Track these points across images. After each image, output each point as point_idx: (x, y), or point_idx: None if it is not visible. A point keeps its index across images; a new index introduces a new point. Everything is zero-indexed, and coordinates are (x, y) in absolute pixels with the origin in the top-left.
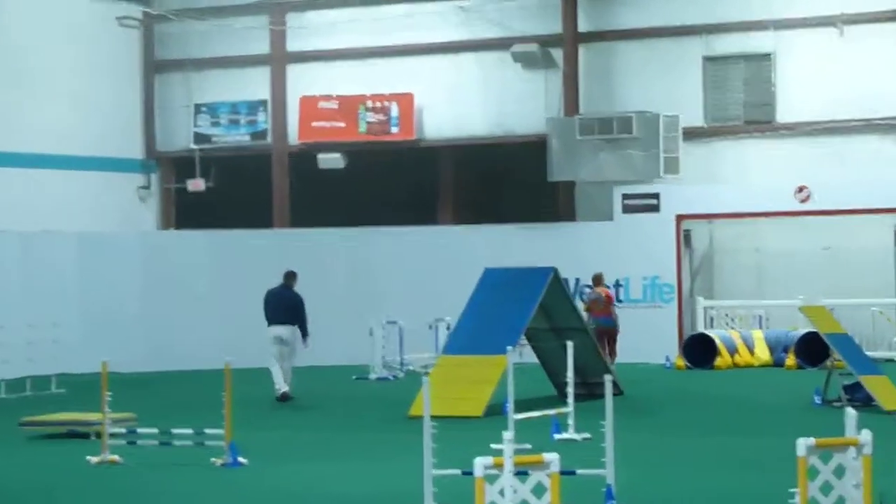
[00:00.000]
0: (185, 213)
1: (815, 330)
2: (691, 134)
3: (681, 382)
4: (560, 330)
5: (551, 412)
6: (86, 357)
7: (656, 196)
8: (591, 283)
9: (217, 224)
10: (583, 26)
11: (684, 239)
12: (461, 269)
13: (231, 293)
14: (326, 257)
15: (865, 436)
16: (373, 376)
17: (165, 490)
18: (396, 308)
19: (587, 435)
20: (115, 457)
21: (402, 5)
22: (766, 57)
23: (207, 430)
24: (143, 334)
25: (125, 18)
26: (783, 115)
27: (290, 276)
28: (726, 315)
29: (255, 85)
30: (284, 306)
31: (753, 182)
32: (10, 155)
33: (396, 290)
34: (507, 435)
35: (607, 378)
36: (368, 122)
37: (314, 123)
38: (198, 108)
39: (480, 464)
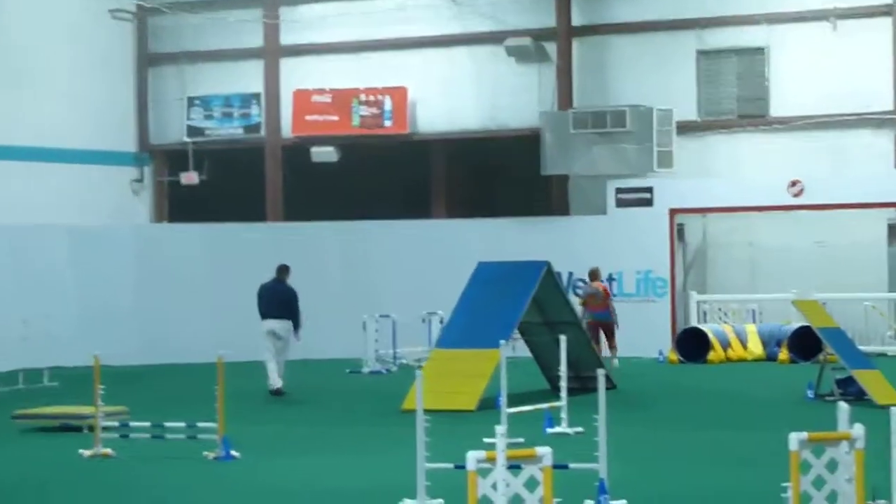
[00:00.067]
0: (178, 206)
1: (807, 324)
2: (685, 128)
3: (674, 376)
4: (553, 324)
5: (544, 406)
6: (79, 350)
7: (650, 190)
8: (587, 277)
9: (210, 217)
10: (576, 20)
11: (677, 233)
12: (454, 262)
13: (224, 287)
14: (319, 251)
15: (858, 430)
16: (366, 370)
17: (158, 483)
18: (389, 302)
19: (580, 429)
20: (108, 450)
21: None
22: (760, 51)
23: (200, 424)
24: (136, 327)
25: (118, 11)
26: (776, 109)
27: (283, 270)
28: (719, 309)
29: (249, 78)
30: (278, 300)
31: (747, 176)
32: (3, 148)
33: (389, 284)
34: (500, 429)
35: (600, 372)
36: (362, 116)
37: (307, 117)
38: (191, 102)
39: (473, 457)
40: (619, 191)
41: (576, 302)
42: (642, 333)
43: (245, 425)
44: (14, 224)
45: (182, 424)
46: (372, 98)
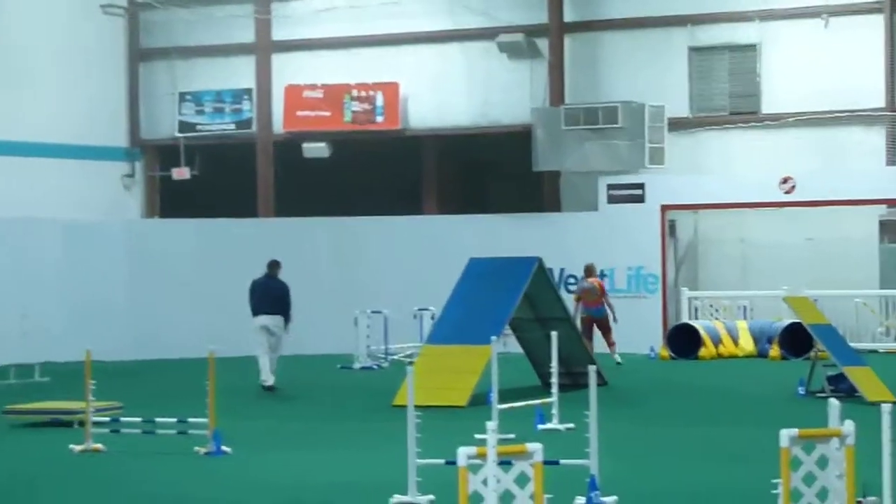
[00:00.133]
0: (169, 201)
1: (799, 321)
2: (677, 124)
3: (665, 373)
4: (544, 320)
5: (535, 402)
6: (70, 345)
7: (641, 186)
8: (582, 273)
9: (202, 213)
10: (568, 16)
11: (669, 229)
12: (446, 258)
13: (215, 282)
14: (311, 246)
15: (848, 427)
16: (357, 366)
17: (148, 478)
18: (381, 297)
19: (571, 425)
20: (99, 445)
21: None
22: (752, 48)
23: (191, 419)
24: (128, 323)
25: (110, 7)
26: (768, 105)
27: (275, 266)
28: (711, 305)
29: (240, 73)
30: (271, 296)
31: (738, 173)
32: None
33: (381, 280)
34: (491, 425)
35: (591, 368)
36: (353, 112)
37: (299, 112)
38: (182, 97)
39: (464, 453)
40: (610, 187)
41: (569, 298)
42: (633, 330)
43: (236, 420)
44: (5, 218)
45: (173, 420)
46: (364, 94)
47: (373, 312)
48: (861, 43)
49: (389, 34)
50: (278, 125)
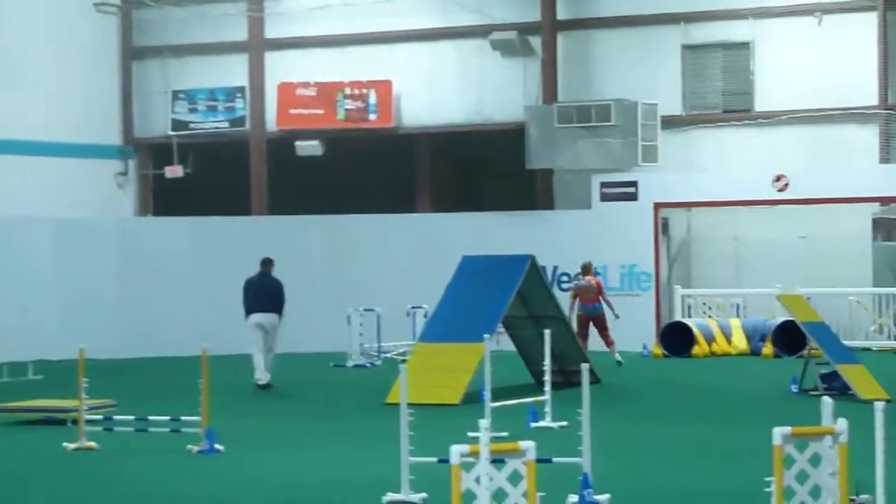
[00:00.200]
0: (162, 199)
1: (792, 319)
2: (670, 122)
3: (658, 371)
4: (537, 318)
5: (528, 400)
6: (63, 343)
7: (634, 184)
8: (580, 271)
9: (195, 211)
10: (561, 14)
11: (662, 227)
12: (439, 256)
13: (209, 280)
14: (304, 244)
15: (841, 425)
16: (350, 363)
17: (141, 476)
18: (374, 295)
19: (564, 423)
20: (92, 443)
21: None
22: (745, 46)
23: (184, 417)
24: (121, 321)
25: (103, 5)
26: (761, 103)
27: (268, 263)
28: (704, 303)
29: (233, 72)
30: (265, 294)
31: (731, 171)
32: None
33: (374, 278)
34: (484, 423)
35: (584, 366)
36: (346, 110)
37: (292, 110)
38: (175, 95)
39: (457, 451)
40: (603, 185)
41: (562, 296)
42: (626, 327)
43: (229, 418)
44: None
45: (166, 418)
46: (357, 92)
47: (366, 310)
48: (854, 41)
49: (382, 32)
50: (271, 123)
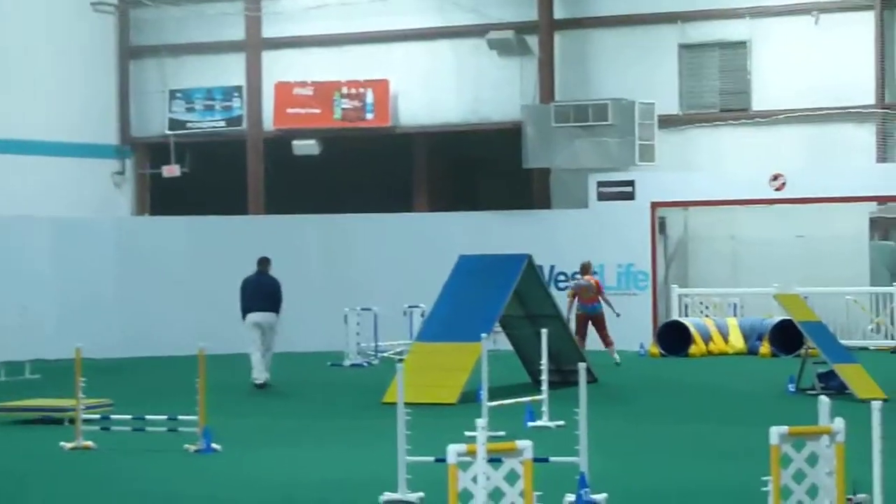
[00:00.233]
0: (159, 198)
1: (789, 318)
2: (667, 121)
3: (655, 370)
4: (534, 317)
5: (525, 399)
6: (60, 343)
7: (631, 183)
8: (579, 270)
9: (192, 210)
10: (558, 13)
11: (659, 226)
12: (436, 256)
13: (206, 279)
14: (301, 244)
15: (838, 424)
16: (347, 363)
17: (138, 476)
18: (371, 295)
19: (561, 422)
20: (89, 442)
21: None
22: (742, 45)
23: (181, 417)
24: (118, 320)
25: (100, 4)
26: (759, 102)
27: (265, 262)
28: (701, 303)
29: (231, 71)
30: (263, 293)
31: (728, 170)
32: None
33: (371, 277)
34: (481, 422)
35: (581, 365)
36: (343, 109)
37: (289, 110)
38: (173, 94)
39: (454, 451)
40: (600, 184)
41: (559, 295)
42: (624, 327)
43: (226, 418)
44: None
45: (163, 417)
46: (354, 91)
47: (363, 310)
48: (851, 40)
49: (379, 31)
50: (268, 122)
